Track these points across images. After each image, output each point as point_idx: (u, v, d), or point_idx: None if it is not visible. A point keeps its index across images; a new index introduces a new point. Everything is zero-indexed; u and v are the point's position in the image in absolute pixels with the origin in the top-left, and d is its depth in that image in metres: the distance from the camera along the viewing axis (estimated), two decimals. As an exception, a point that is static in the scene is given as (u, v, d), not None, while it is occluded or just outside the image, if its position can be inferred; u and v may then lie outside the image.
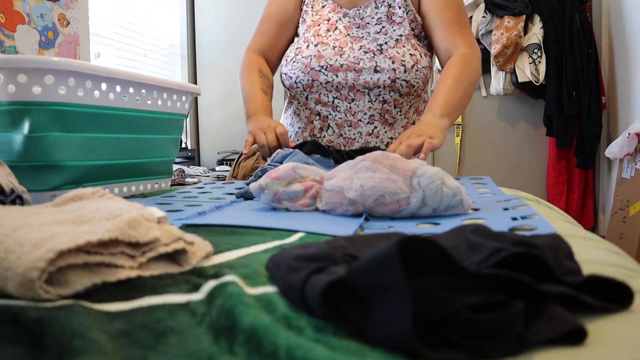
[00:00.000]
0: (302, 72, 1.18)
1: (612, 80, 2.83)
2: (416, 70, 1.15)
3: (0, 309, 0.31)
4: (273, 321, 0.28)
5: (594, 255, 0.45)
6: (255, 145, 1.11)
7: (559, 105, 2.71)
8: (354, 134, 1.19)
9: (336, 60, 1.16)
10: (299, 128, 1.26)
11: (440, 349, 0.25)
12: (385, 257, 0.26)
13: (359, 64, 1.15)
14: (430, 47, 1.26)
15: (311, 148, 1.01)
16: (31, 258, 0.33)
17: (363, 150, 1.05)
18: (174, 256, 0.41)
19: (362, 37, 1.19)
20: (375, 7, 1.21)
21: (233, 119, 3.14)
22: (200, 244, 0.44)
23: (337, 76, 1.16)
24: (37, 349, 0.27)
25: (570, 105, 2.69)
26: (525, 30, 2.75)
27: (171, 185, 1.16)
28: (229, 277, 0.35)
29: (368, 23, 1.21)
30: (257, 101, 1.19)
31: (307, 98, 1.22)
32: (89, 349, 0.26)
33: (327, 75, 1.16)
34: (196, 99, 3.21)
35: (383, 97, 1.16)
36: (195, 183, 1.74)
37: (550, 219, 0.63)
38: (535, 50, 2.72)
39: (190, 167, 2.54)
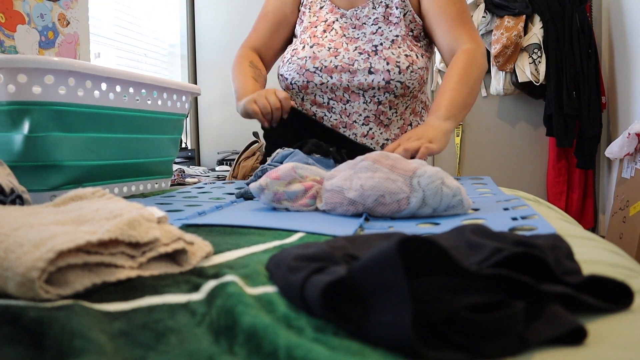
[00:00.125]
0: (297, 73, 1.18)
1: (612, 80, 2.83)
2: (411, 72, 1.14)
3: (0, 309, 0.31)
4: (273, 321, 0.28)
5: (594, 255, 0.45)
6: (255, 145, 1.10)
7: (559, 105, 2.71)
8: (349, 135, 1.18)
9: (331, 62, 1.16)
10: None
11: (440, 349, 0.25)
12: (385, 257, 0.26)
13: (353, 65, 1.15)
14: (428, 48, 1.25)
15: (311, 148, 1.01)
16: (31, 258, 0.33)
17: (362, 149, 1.04)
18: (174, 256, 0.41)
19: (358, 37, 1.19)
20: (373, 8, 1.20)
21: (233, 119, 3.14)
22: (200, 244, 0.44)
23: (331, 77, 1.16)
24: (37, 349, 0.27)
25: (570, 105, 2.69)
26: (525, 30, 2.75)
27: (171, 185, 1.16)
28: (229, 277, 0.35)
29: (364, 23, 1.20)
30: (248, 86, 1.18)
31: (302, 99, 1.22)
32: (89, 349, 0.26)
33: (321, 77, 1.16)
34: (196, 99, 3.21)
35: (378, 99, 1.16)
36: (195, 183, 1.74)
37: (550, 219, 0.63)
38: (535, 50, 2.72)
39: (190, 167, 2.54)
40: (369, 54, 1.15)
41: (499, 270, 0.29)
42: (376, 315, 0.27)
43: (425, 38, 1.24)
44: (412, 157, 0.94)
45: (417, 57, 1.17)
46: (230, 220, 0.63)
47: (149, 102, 0.94)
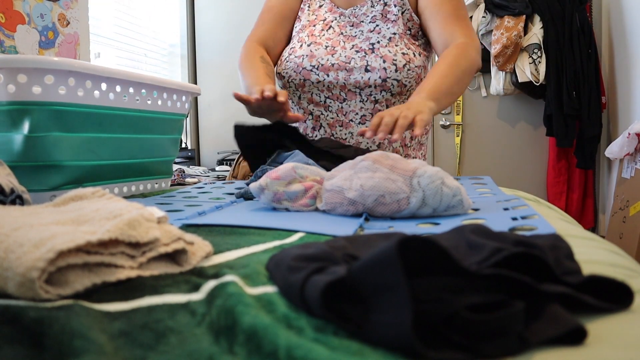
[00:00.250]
0: (295, 71, 1.18)
1: (612, 80, 2.83)
2: (408, 70, 1.14)
3: (0, 309, 0.31)
4: (273, 321, 0.28)
5: (594, 255, 0.45)
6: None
7: (559, 105, 2.71)
8: (345, 134, 1.18)
9: (327, 60, 1.16)
10: None
11: (440, 349, 0.25)
12: (385, 257, 0.26)
13: (349, 63, 1.14)
14: (426, 47, 1.24)
15: (327, 144, 0.99)
16: (31, 258, 0.33)
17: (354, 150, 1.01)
18: (174, 256, 0.41)
19: (355, 35, 1.19)
20: (371, 6, 1.20)
21: (233, 119, 3.12)
22: (200, 244, 0.44)
23: (328, 75, 1.16)
24: (37, 349, 0.27)
25: (570, 105, 2.69)
26: (525, 30, 2.75)
27: (171, 185, 1.16)
28: (229, 277, 0.35)
29: (362, 21, 1.20)
30: (261, 82, 1.13)
31: (300, 98, 1.21)
32: (89, 349, 0.26)
33: (318, 75, 1.16)
34: (196, 99, 3.21)
35: (374, 97, 1.16)
36: (195, 183, 1.74)
37: (550, 219, 0.63)
38: (535, 50, 2.72)
39: (190, 167, 2.54)
40: (365, 52, 1.14)
41: (499, 270, 0.29)
42: (376, 315, 0.27)
43: (423, 37, 1.23)
44: (409, 126, 0.89)
45: (415, 55, 1.16)
46: (230, 220, 0.63)
47: (149, 102, 0.94)
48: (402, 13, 1.19)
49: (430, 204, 0.61)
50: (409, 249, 0.27)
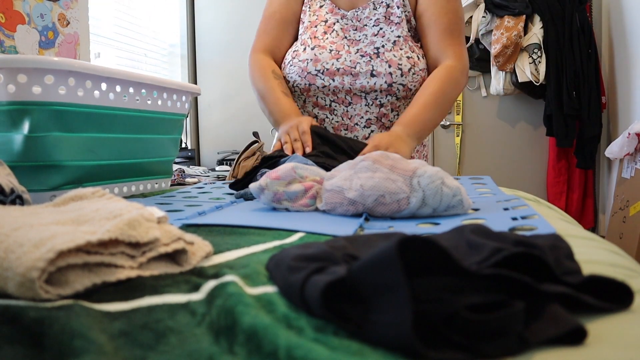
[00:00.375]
0: (299, 76, 1.17)
1: (612, 80, 2.83)
2: (413, 74, 1.14)
3: (0, 309, 0.31)
4: (273, 321, 0.28)
5: (594, 255, 0.45)
6: (255, 145, 1.10)
7: (559, 105, 2.71)
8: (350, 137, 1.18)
9: (332, 64, 1.15)
10: None
11: (440, 349, 0.25)
12: (385, 257, 0.26)
13: (355, 67, 1.14)
14: None
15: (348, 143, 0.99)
16: (31, 258, 0.33)
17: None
18: (174, 256, 0.41)
19: (359, 39, 1.18)
20: (374, 8, 1.20)
21: (233, 119, 3.14)
22: (200, 244, 0.44)
23: (333, 80, 1.15)
24: (37, 349, 0.27)
25: (570, 105, 2.69)
26: (525, 30, 2.75)
27: (171, 185, 1.16)
28: (229, 277, 0.35)
29: (366, 25, 1.20)
30: (282, 105, 1.15)
31: (305, 101, 1.21)
32: (89, 349, 0.26)
33: (323, 80, 1.16)
34: (196, 99, 3.21)
35: (380, 101, 1.16)
36: (195, 183, 1.74)
37: (550, 219, 0.63)
38: (535, 50, 2.72)
39: (190, 167, 2.54)
40: (370, 57, 1.14)
41: (499, 270, 0.29)
42: (376, 315, 0.27)
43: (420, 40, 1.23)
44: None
45: (419, 58, 1.16)
46: (230, 220, 0.63)
47: (149, 102, 0.94)
48: (405, 14, 1.18)
49: (430, 204, 0.61)
50: (409, 249, 0.27)
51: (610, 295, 0.31)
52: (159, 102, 0.97)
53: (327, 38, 1.19)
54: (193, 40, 3.25)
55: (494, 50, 2.73)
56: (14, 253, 0.34)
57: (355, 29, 1.20)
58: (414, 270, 0.27)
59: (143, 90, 0.92)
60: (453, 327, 0.26)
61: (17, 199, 0.57)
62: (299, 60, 1.18)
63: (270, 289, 0.35)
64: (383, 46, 1.15)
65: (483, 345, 0.25)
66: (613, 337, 0.28)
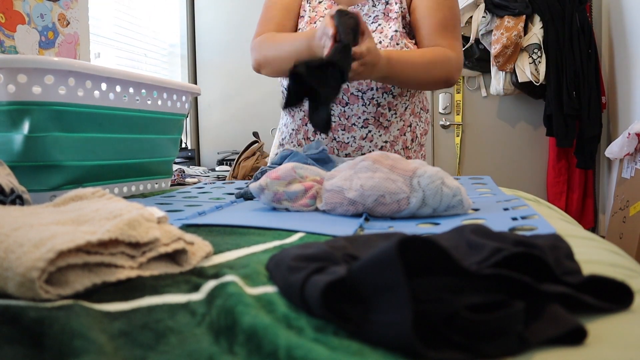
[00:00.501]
0: None
1: (612, 80, 2.83)
2: None
3: (0, 309, 0.31)
4: (273, 321, 0.28)
5: (594, 255, 0.45)
6: (255, 145, 1.09)
7: (559, 105, 2.71)
8: (348, 138, 1.18)
9: None
10: (293, 130, 1.26)
11: (440, 349, 0.25)
12: (385, 257, 0.26)
13: None
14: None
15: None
16: (31, 258, 0.33)
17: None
18: (174, 256, 0.41)
19: None
20: (373, 5, 1.19)
21: (233, 119, 3.14)
22: (200, 244, 0.44)
23: None
24: (37, 349, 0.27)
25: (570, 105, 2.69)
26: (525, 30, 2.75)
27: (171, 185, 1.16)
28: (229, 277, 0.35)
29: (364, 22, 1.19)
30: (298, 34, 1.12)
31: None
32: (89, 349, 0.26)
33: None
34: (196, 99, 3.21)
35: (377, 100, 1.16)
36: (195, 183, 1.74)
37: (550, 219, 0.63)
38: (535, 50, 2.72)
39: (190, 167, 2.54)
40: None
41: (499, 270, 0.29)
42: (376, 315, 0.27)
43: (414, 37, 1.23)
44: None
45: None
46: (230, 220, 0.63)
47: (149, 102, 0.94)
48: (401, 10, 1.18)
49: (430, 204, 0.61)
50: (409, 249, 0.27)
51: (610, 295, 0.31)
52: (159, 102, 0.97)
53: None
54: (193, 40, 3.25)
55: (494, 50, 2.73)
56: (14, 253, 0.34)
57: None
58: (414, 270, 0.27)
59: (143, 90, 0.92)
60: (453, 327, 0.26)
61: (17, 199, 0.57)
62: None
63: (270, 289, 0.35)
64: (380, 42, 1.15)
65: (483, 345, 0.25)
66: (613, 337, 0.28)
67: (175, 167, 1.85)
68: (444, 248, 0.28)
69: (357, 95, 1.16)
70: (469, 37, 2.86)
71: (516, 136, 3.06)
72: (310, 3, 1.26)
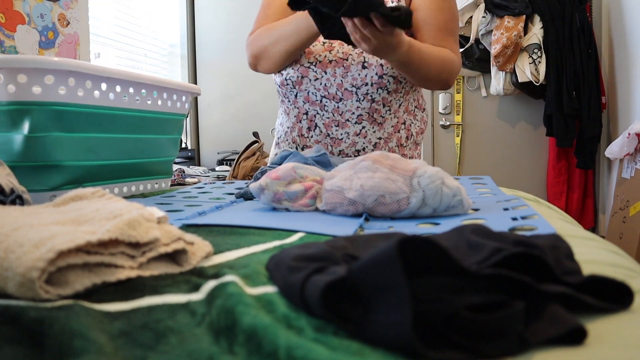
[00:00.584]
0: (292, 68, 1.18)
1: (612, 80, 2.83)
2: None
3: (0, 309, 0.31)
4: (273, 321, 0.28)
5: (594, 255, 0.45)
6: (255, 145, 1.09)
7: (559, 105, 2.71)
8: (341, 134, 1.18)
9: (325, 56, 1.16)
10: (288, 128, 1.26)
11: (440, 349, 0.25)
12: (385, 257, 0.26)
13: (347, 59, 1.14)
14: None
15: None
16: (31, 258, 0.33)
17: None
18: (174, 256, 0.41)
19: None
20: None
21: (233, 119, 3.14)
22: (200, 244, 0.44)
23: (325, 72, 1.15)
24: (37, 349, 0.27)
25: (570, 105, 2.69)
26: (525, 30, 2.75)
27: (171, 185, 1.16)
28: (229, 277, 0.35)
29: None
30: (295, 16, 1.11)
31: (296, 96, 1.21)
32: (89, 349, 0.26)
33: (315, 72, 1.16)
34: (196, 99, 3.21)
35: (371, 96, 1.16)
36: (195, 183, 1.74)
37: (550, 219, 0.63)
38: (535, 51, 2.72)
39: (190, 167, 2.54)
40: None
41: (499, 270, 0.29)
42: (376, 315, 0.27)
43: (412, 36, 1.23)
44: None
45: None
46: (230, 220, 0.63)
47: (149, 102, 0.94)
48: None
49: (430, 204, 0.61)
50: (408, 249, 0.27)
51: (610, 295, 0.31)
52: (159, 102, 0.97)
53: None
54: (193, 40, 3.25)
55: (494, 50, 2.73)
56: (14, 253, 0.34)
57: None
58: (414, 270, 0.27)
59: (143, 90, 0.92)
60: (453, 327, 0.26)
61: (17, 199, 0.57)
62: None
63: (270, 289, 0.35)
64: None
65: (483, 345, 0.25)
66: (613, 337, 0.28)
67: (175, 167, 1.85)
68: (444, 248, 0.28)
69: (351, 91, 1.16)
70: (469, 37, 2.86)
71: (516, 136, 3.06)
72: None
